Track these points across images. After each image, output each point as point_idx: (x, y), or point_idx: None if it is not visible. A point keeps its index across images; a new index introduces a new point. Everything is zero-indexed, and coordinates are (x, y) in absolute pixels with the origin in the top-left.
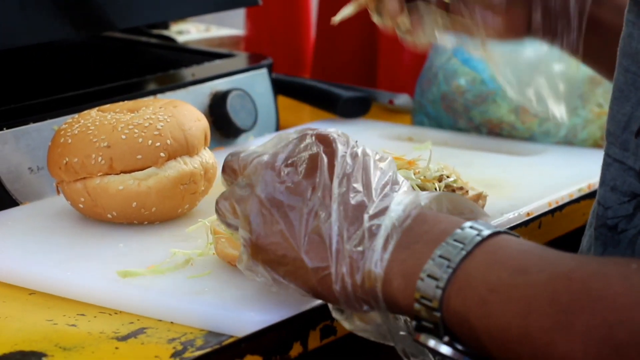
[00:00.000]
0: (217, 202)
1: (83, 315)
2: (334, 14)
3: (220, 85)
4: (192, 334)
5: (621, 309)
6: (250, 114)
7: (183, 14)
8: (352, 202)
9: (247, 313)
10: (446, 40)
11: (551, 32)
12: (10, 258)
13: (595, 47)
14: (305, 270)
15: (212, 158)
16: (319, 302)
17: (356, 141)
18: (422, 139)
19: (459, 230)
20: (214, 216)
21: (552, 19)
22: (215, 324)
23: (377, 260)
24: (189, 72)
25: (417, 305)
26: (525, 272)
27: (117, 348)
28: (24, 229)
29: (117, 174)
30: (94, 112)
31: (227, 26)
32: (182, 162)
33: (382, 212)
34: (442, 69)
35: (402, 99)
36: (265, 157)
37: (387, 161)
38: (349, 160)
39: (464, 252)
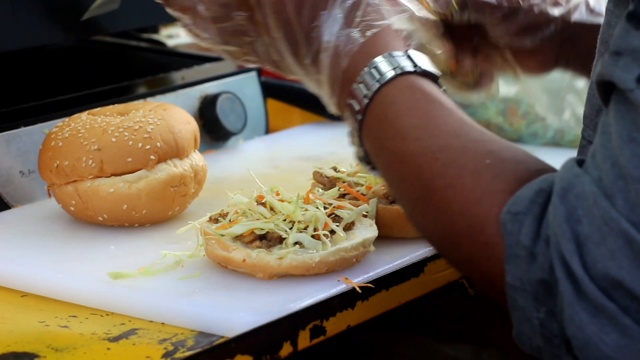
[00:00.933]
0: None
1: (75, 316)
2: None
3: (209, 88)
4: (183, 334)
5: (463, 201)
6: (240, 117)
7: (173, 18)
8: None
9: (237, 313)
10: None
11: (578, 63)
12: (2, 260)
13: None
14: (234, 30)
15: (202, 160)
16: (308, 302)
17: None
18: None
19: (378, 59)
20: (204, 218)
21: (578, 52)
22: (205, 325)
23: (334, 32)
24: (178, 76)
25: (347, 111)
26: (404, 137)
27: (108, 349)
28: (15, 232)
29: (108, 177)
30: (84, 116)
31: None
32: (172, 164)
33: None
34: None
35: None
36: None
37: None
38: None
39: (367, 98)
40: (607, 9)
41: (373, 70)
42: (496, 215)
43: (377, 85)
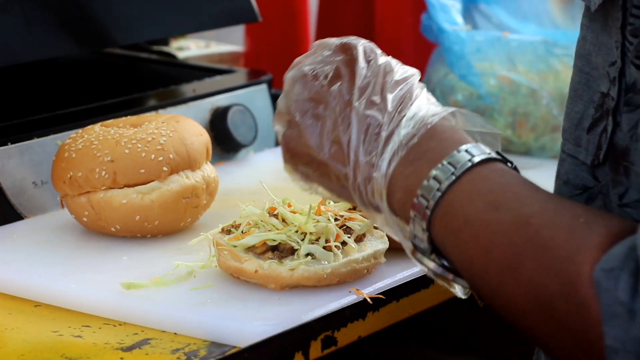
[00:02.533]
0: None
1: (88, 326)
2: (332, 29)
3: (220, 100)
4: (195, 344)
5: (558, 260)
6: (251, 129)
7: (184, 31)
8: (369, 113)
9: (249, 324)
10: None
11: None
12: (16, 271)
13: None
14: (329, 175)
15: (213, 172)
16: (320, 313)
17: (380, 51)
18: None
19: (455, 153)
20: (216, 229)
21: None
22: (218, 335)
23: (384, 173)
24: (189, 88)
25: (411, 223)
26: (496, 208)
27: (122, 358)
28: (28, 243)
29: (121, 188)
30: (97, 127)
31: (227, 42)
32: (184, 176)
33: (395, 127)
34: (440, 85)
35: None
36: (292, 73)
37: (409, 72)
38: (368, 71)
39: (453, 177)
40: (582, 24)
41: (464, 153)
42: (589, 273)
43: (468, 164)
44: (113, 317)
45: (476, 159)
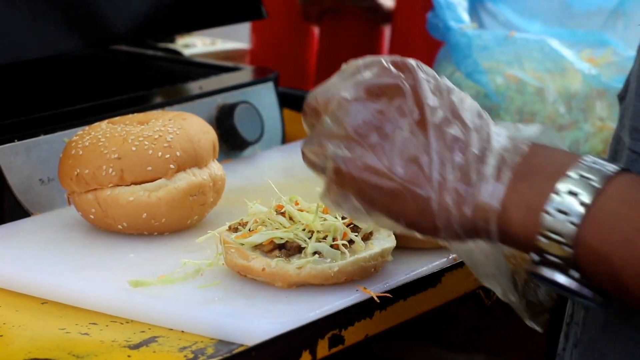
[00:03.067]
0: (303, 148)
1: (95, 324)
2: (338, 26)
3: (227, 98)
4: (202, 342)
5: None
6: (257, 126)
7: (191, 27)
8: (450, 131)
9: (257, 322)
10: None
11: None
12: (23, 268)
13: None
14: (403, 200)
15: (220, 170)
16: (327, 311)
17: (434, 72)
18: None
19: (582, 164)
20: (223, 227)
21: None
22: (225, 333)
23: (491, 192)
24: (196, 85)
25: (542, 240)
26: None
27: (129, 356)
28: (35, 240)
29: (128, 185)
30: (104, 124)
31: (233, 39)
32: (191, 173)
33: (485, 142)
34: None
35: None
36: (346, 92)
37: (464, 92)
38: (433, 88)
39: (597, 186)
40: None
41: (592, 164)
42: None
43: (609, 172)
44: (120, 314)
45: (611, 169)
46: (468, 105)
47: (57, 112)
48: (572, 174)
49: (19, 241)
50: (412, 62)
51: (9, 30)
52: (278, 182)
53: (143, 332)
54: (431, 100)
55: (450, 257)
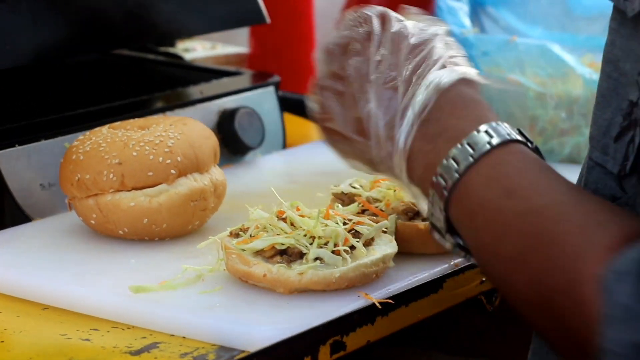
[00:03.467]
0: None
1: (96, 330)
2: None
3: (228, 103)
4: (204, 348)
5: (565, 256)
6: (258, 131)
7: (192, 32)
8: (388, 86)
9: (258, 328)
10: None
11: None
12: (24, 273)
13: None
14: (355, 149)
15: (221, 175)
16: (329, 317)
17: (396, 16)
18: None
19: (474, 133)
20: (225, 232)
21: None
22: (226, 339)
23: (400, 149)
24: (197, 90)
25: (429, 200)
26: (511, 196)
27: None
28: (36, 245)
29: (129, 191)
30: (105, 129)
31: (233, 44)
32: (192, 179)
33: (411, 97)
34: None
35: None
36: (319, 50)
37: (428, 33)
38: (384, 41)
39: (471, 160)
40: (610, 28)
41: (483, 134)
42: (595, 273)
43: (487, 147)
44: (121, 320)
45: (495, 141)
46: (415, 56)
47: (58, 117)
48: (463, 141)
49: (19, 246)
50: (370, 12)
51: (10, 35)
52: (279, 188)
53: (144, 338)
54: (376, 54)
55: (451, 263)
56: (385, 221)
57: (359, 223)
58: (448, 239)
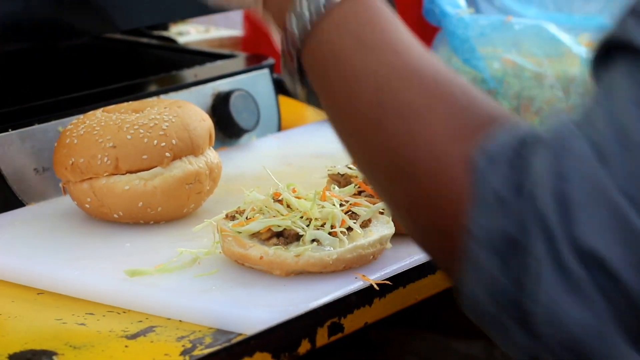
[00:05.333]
0: None
1: (92, 314)
2: None
3: (222, 85)
4: (200, 332)
5: (432, 134)
6: (253, 114)
7: (185, 15)
8: None
9: (255, 311)
10: None
11: None
12: (18, 258)
13: None
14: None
15: (216, 158)
16: (327, 300)
17: None
18: None
19: None
20: (220, 215)
21: None
22: (223, 322)
23: None
24: (191, 73)
25: (282, 48)
26: (367, 49)
27: (126, 346)
28: (30, 230)
29: (123, 174)
30: (99, 113)
31: (226, 27)
32: (187, 161)
33: None
34: None
35: None
36: None
37: None
38: None
39: (322, 10)
40: None
41: None
42: (469, 155)
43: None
44: (117, 304)
45: None
46: None
47: (52, 101)
48: None
49: (13, 231)
50: None
51: (2, 19)
52: (275, 170)
53: (140, 322)
54: None
55: None
56: (382, 202)
57: (355, 204)
58: (300, 90)
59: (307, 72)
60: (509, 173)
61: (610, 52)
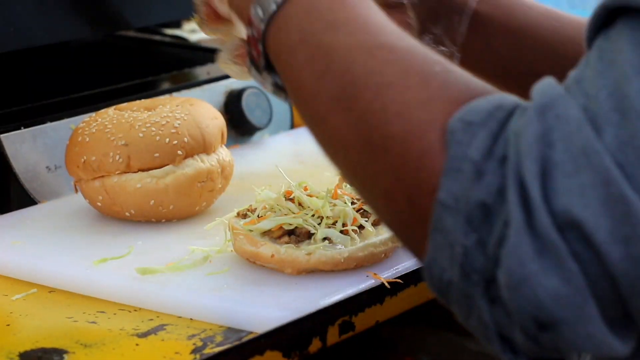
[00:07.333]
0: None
1: (103, 312)
2: None
3: (235, 83)
4: (211, 330)
5: (404, 103)
6: (265, 112)
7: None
8: None
9: (266, 309)
10: None
11: (433, 33)
12: (29, 256)
13: (477, 47)
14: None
15: (228, 156)
16: (338, 298)
17: None
18: None
19: None
20: (232, 213)
21: (432, 19)
22: (234, 320)
23: None
24: (204, 71)
25: (247, 35)
26: (336, 29)
27: (137, 345)
28: (42, 228)
29: (135, 172)
30: (111, 111)
31: None
32: (199, 159)
33: None
34: None
35: None
36: None
37: None
38: None
39: None
40: None
41: None
42: (442, 123)
43: None
44: (128, 302)
45: None
46: None
47: (64, 99)
48: None
49: (25, 229)
50: None
51: (15, 17)
52: (287, 168)
53: (151, 320)
54: None
55: None
56: None
57: None
58: (265, 77)
59: (273, 59)
60: (485, 138)
61: (609, 20)
